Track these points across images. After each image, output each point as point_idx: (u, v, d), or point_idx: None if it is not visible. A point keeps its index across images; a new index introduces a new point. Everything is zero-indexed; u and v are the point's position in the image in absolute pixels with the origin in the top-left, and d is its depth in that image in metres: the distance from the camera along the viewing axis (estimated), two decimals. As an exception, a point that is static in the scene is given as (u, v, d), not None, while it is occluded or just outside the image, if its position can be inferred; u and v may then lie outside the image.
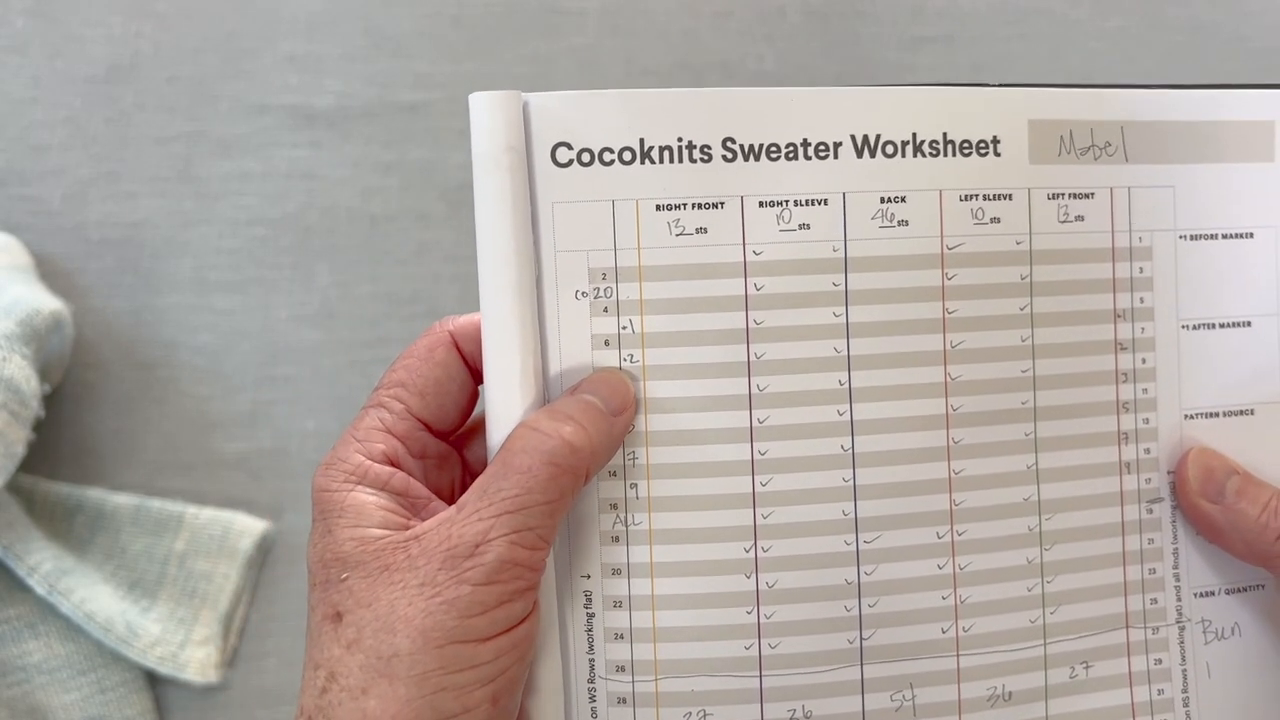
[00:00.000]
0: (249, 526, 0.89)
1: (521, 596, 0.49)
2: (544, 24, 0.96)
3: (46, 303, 0.84)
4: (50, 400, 0.88)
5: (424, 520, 0.51)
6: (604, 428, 0.52)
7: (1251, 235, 0.58)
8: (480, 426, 0.56)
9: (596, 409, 0.52)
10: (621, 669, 0.54)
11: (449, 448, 0.57)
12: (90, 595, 0.83)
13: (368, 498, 0.51)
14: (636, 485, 0.53)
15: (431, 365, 0.55)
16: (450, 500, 0.56)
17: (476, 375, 0.56)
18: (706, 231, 0.53)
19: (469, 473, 0.58)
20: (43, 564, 0.82)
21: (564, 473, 0.50)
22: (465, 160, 0.92)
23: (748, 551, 0.53)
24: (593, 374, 0.54)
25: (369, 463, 0.52)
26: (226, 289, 0.92)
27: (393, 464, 0.53)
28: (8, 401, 0.77)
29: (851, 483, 0.54)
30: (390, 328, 0.92)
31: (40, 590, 0.82)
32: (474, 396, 0.57)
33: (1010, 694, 0.55)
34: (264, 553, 0.89)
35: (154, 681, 0.87)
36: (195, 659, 0.86)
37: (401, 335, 0.91)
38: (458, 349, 0.55)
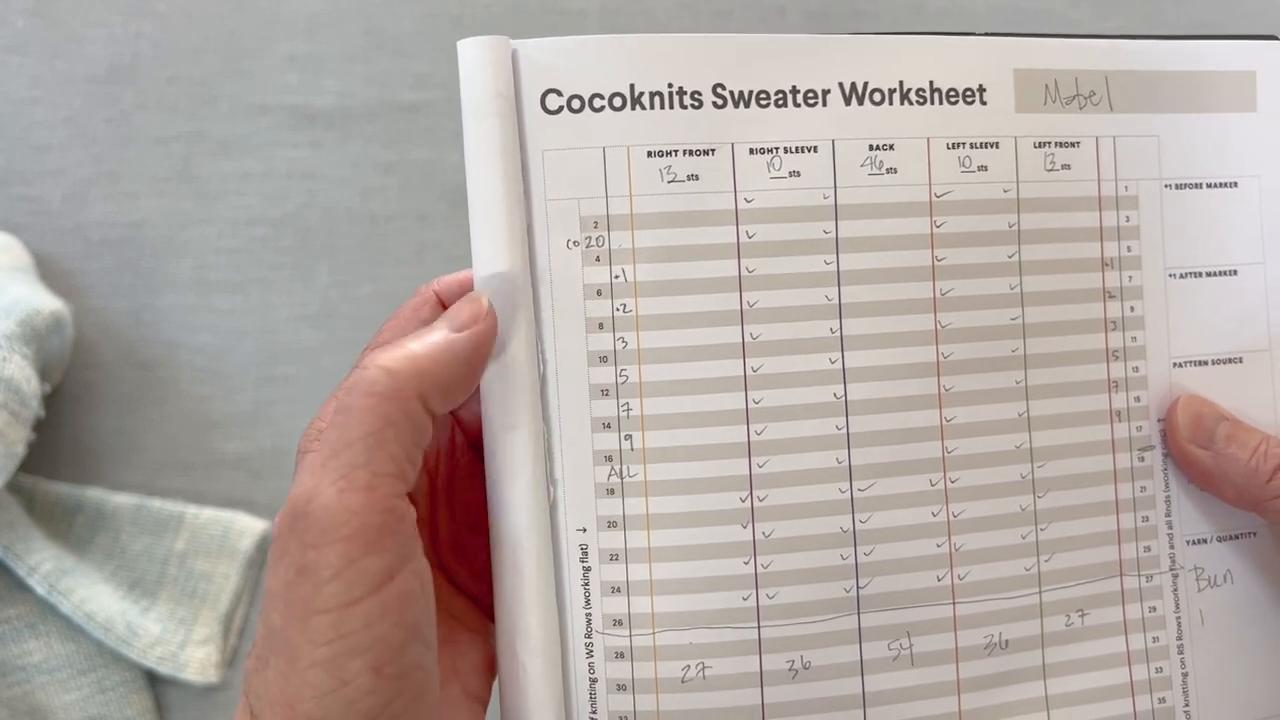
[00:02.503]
0: (249, 526, 0.89)
1: (374, 548, 0.45)
2: (544, 24, 0.97)
3: (46, 303, 0.84)
4: (50, 400, 0.88)
5: None
6: (440, 345, 0.49)
7: (1235, 184, 0.58)
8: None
9: (437, 329, 0.50)
10: (619, 623, 0.53)
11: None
12: (90, 595, 0.84)
13: None
14: (631, 437, 0.53)
15: (417, 325, 0.54)
16: (435, 460, 0.56)
17: None
18: (698, 178, 0.53)
19: (463, 431, 0.58)
20: (43, 564, 0.82)
21: (383, 400, 0.46)
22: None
23: (743, 501, 0.53)
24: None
25: None
26: (226, 289, 0.92)
27: None
28: (8, 401, 0.77)
29: (845, 430, 0.54)
30: (388, 327, 0.92)
31: (40, 590, 0.82)
32: None
33: (1007, 642, 0.55)
34: (264, 553, 0.90)
35: (154, 681, 0.87)
36: (195, 659, 0.86)
37: (401, 335, 0.91)
38: (444, 308, 0.55)
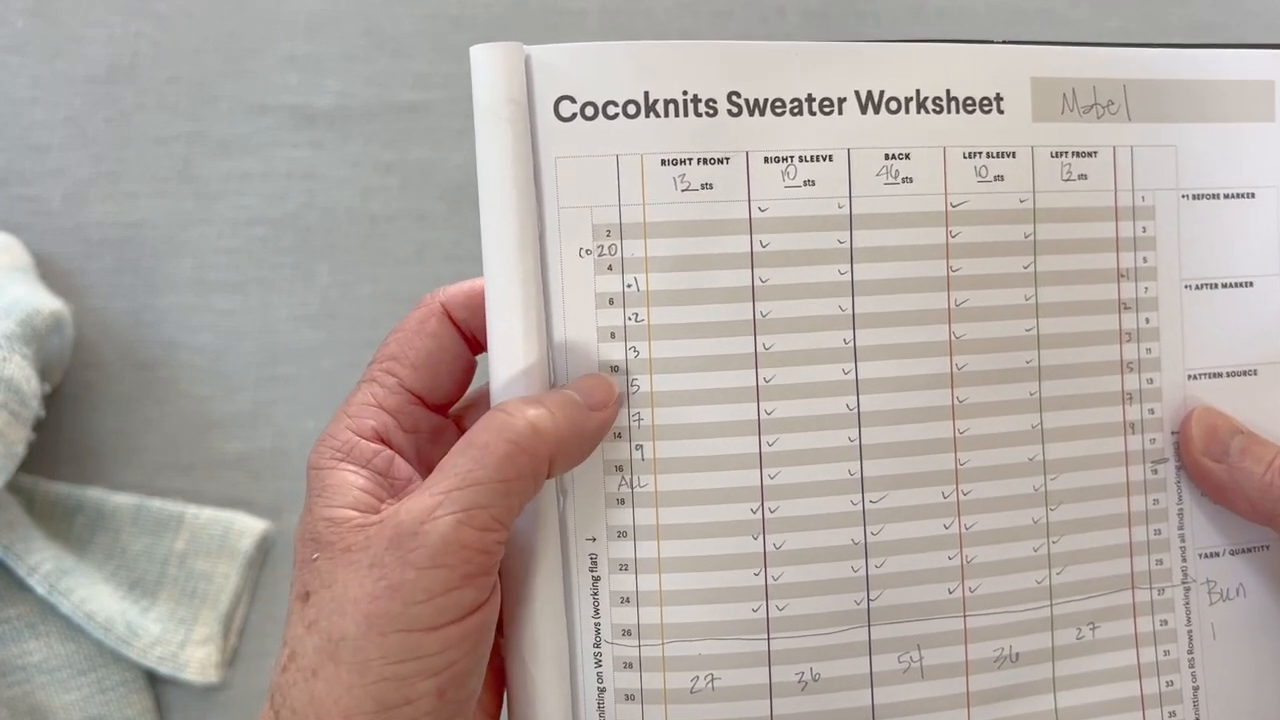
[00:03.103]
0: (249, 526, 0.89)
1: (472, 583, 0.47)
2: (544, 24, 0.96)
3: (46, 303, 0.84)
4: (50, 400, 0.88)
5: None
6: (577, 418, 0.51)
7: (1253, 195, 0.58)
8: (480, 400, 0.56)
9: (572, 400, 0.51)
10: (628, 633, 0.53)
11: (445, 421, 0.56)
12: (90, 595, 0.83)
13: (349, 476, 0.51)
14: (642, 447, 0.53)
15: (424, 337, 0.54)
16: None
17: (472, 345, 0.55)
18: (712, 187, 0.53)
19: None
20: (43, 564, 0.82)
21: (522, 453, 0.48)
22: (465, 160, 0.93)
23: (754, 512, 0.53)
24: (580, 377, 0.53)
25: (356, 439, 0.52)
26: (226, 289, 0.92)
27: (382, 440, 0.52)
28: (8, 401, 0.77)
29: (857, 442, 0.54)
30: (390, 328, 0.91)
31: (40, 590, 0.82)
32: (470, 368, 0.56)
33: (1017, 655, 0.55)
34: (264, 553, 0.90)
35: (154, 681, 0.87)
36: (195, 659, 0.86)
37: (401, 335, 0.91)
38: (451, 319, 0.55)
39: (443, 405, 0.56)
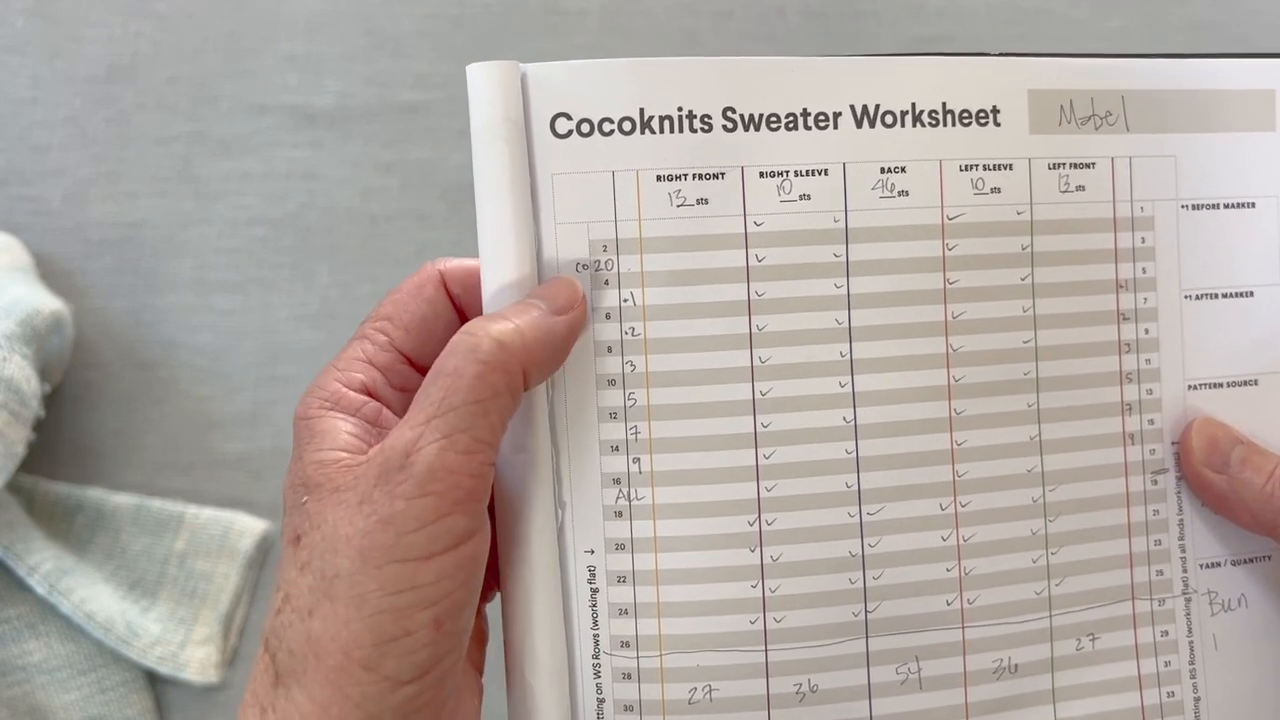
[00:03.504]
0: (249, 526, 0.89)
1: (462, 508, 0.47)
2: (544, 24, 0.96)
3: (46, 303, 0.84)
4: (50, 400, 0.88)
5: None
6: (543, 325, 0.50)
7: (1253, 205, 0.57)
8: None
9: (535, 307, 0.51)
10: (626, 644, 0.53)
11: None
12: (90, 595, 0.83)
13: (338, 423, 0.51)
14: (639, 460, 0.53)
15: (419, 301, 0.55)
16: None
17: (464, 316, 0.55)
18: (707, 202, 0.53)
19: None
20: (43, 564, 0.82)
21: (492, 370, 0.48)
22: (465, 160, 0.92)
23: (751, 525, 0.53)
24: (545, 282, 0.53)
25: (344, 390, 0.52)
26: (226, 289, 0.92)
27: (369, 393, 0.53)
28: (8, 401, 0.77)
29: (854, 455, 0.54)
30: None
31: (40, 590, 0.82)
32: None
33: (1016, 666, 0.55)
34: (264, 553, 0.90)
35: (154, 681, 0.87)
36: (195, 659, 0.86)
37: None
38: (446, 289, 0.55)
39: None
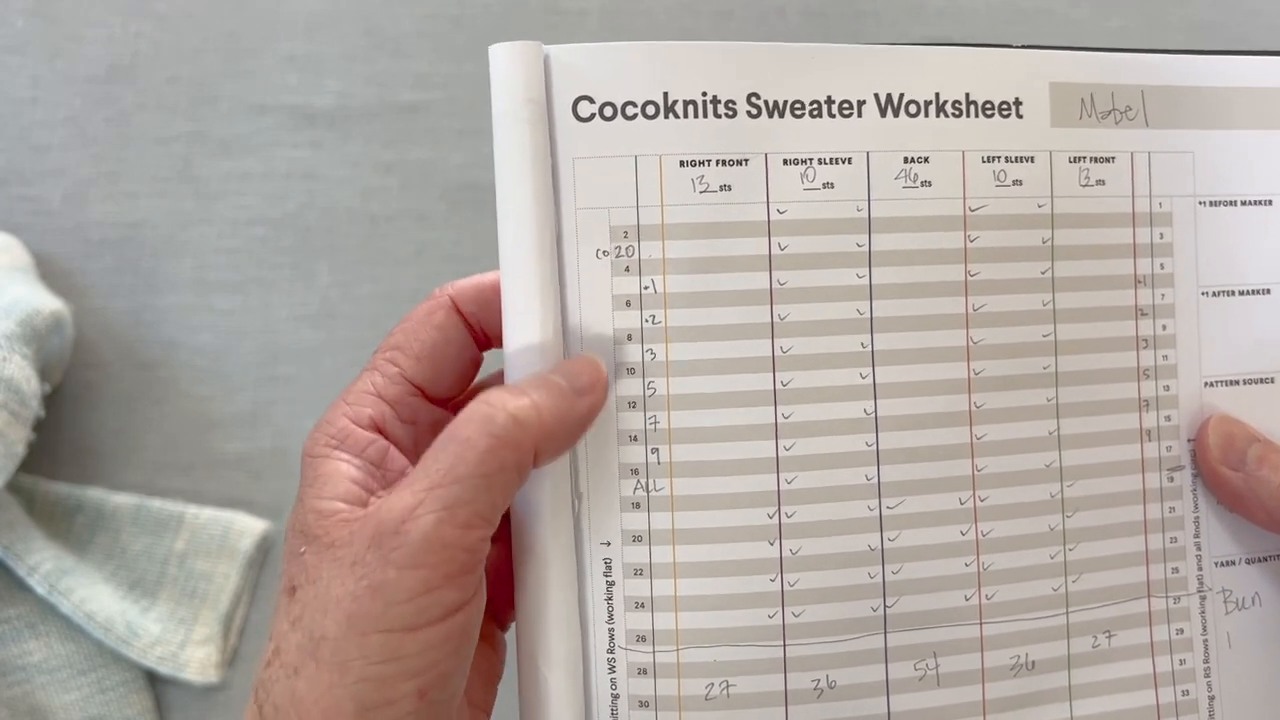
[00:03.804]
0: (249, 526, 0.89)
1: (454, 583, 0.46)
2: (544, 24, 0.96)
3: (46, 303, 0.83)
4: (50, 400, 0.88)
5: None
6: (562, 405, 0.50)
7: (1270, 202, 0.57)
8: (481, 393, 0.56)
9: (557, 385, 0.50)
10: (642, 639, 0.53)
11: (445, 414, 0.55)
12: (90, 595, 0.83)
13: (342, 465, 0.50)
14: (658, 450, 0.53)
15: (430, 329, 0.54)
16: None
17: (479, 339, 0.55)
18: (730, 189, 0.52)
19: None
20: (43, 564, 0.82)
21: (504, 446, 0.47)
22: (465, 160, 0.93)
23: (771, 517, 0.53)
24: (569, 359, 0.52)
25: (352, 427, 0.51)
26: (226, 289, 0.92)
27: (378, 429, 0.52)
28: (8, 401, 0.77)
29: (874, 447, 0.53)
30: (390, 327, 0.91)
31: (40, 590, 0.82)
32: (476, 362, 0.56)
33: (1033, 663, 0.55)
34: (264, 553, 0.89)
35: (154, 681, 0.87)
36: (195, 659, 0.85)
37: (401, 335, 0.91)
38: (460, 313, 0.54)
39: (444, 399, 0.56)
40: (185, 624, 0.86)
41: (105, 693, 0.85)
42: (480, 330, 0.55)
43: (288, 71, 0.95)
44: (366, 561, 0.46)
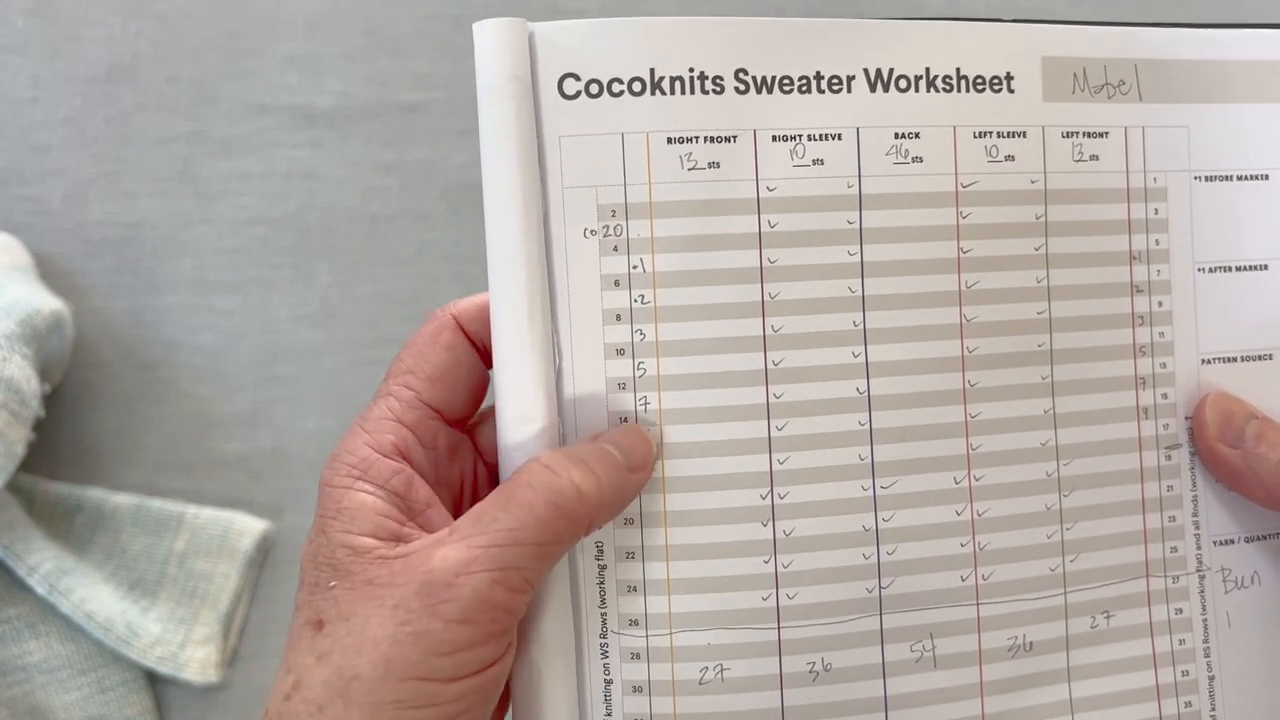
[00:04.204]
0: (249, 526, 0.89)
1: (495, 640, 0.47)
2: (543, 23, 0.96)
3: (46, 303, 0.83)
4: (50, 400, 0.88)
5: (420, 527, 0.50)
6: (617, 481, 0.50)
7: (1267, 177, 0.57)
8: (492, 414, 0.55)
9: (615, 461, 0.50)
10: (635, 623, 0.52)
11: (461, 436, 0.56)
12: (90, 595, 0.83)
13: (366, 498, 0.50)
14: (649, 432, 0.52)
15: (438, 350, 0.53)
16: (459, 495, 0.55)
17: (485, 358, 0.55)
18: (719, 166, 0.52)
19: (483, 461, 0.57)
20: (43, 564, 0.82)
21: (564, 517, 0.48)
22: (465, 160, 0.93)
23: (764, 498, 0.52)
24: (617, 427, 0.52)
25: (375, 455, 0.51)
26: (226, 289, 0.92)
27: (402, 455, 0.51)
28: (8, 401, 0.77)
29: (868, 426, 0.53)
30: (390, 328, 0.91)
31: (40, 590, 0.82)
32: (484, 381, 0.55)
33: (1031, 644, 0.54)
34: (264, 553, 0.89)
35: (154, 681, 0.87)
36: (195, 659, 0.85)
37: (401, 335, 0.89)
38: (464, 332, 0.54)
39: (458, 420, 0.55)
40: (185, 624, 0.86)
41: (105, 693, 0.85)
42: (484, 348, 0.54)
43: (288, 71, 0.95)
44: (411, 608, 0.45)
